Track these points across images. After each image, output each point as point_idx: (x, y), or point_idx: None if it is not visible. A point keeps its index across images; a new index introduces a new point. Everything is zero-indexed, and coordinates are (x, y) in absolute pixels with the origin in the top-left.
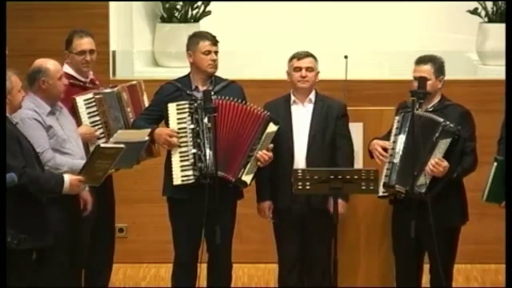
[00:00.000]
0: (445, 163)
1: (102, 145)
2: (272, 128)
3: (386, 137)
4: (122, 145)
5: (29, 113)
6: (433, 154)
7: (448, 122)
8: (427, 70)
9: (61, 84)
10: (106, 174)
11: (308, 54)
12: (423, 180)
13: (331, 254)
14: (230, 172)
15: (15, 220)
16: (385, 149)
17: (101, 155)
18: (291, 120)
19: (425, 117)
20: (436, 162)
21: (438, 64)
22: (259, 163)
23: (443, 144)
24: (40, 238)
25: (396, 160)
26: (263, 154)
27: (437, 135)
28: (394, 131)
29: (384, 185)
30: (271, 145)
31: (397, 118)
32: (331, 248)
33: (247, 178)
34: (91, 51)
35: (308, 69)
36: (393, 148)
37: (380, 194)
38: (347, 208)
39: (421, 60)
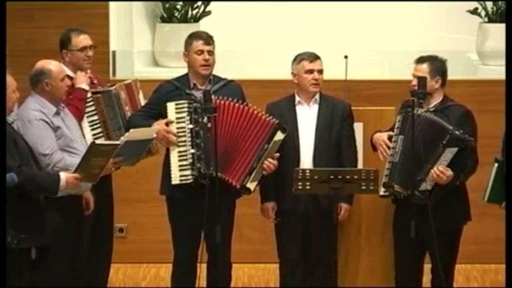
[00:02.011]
0: (450, 173)
1: (97, 142)
2: (279, 136)
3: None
4: (117, 142)
5: (36, 114)
6: (438, 161)
7: (459, 131)
8: (422, 69)
9: (63, 86)
10: (103, 171)
11: (317, 56)
12: (426, 185)
13: (332, 255)
14: (231, 176)
15: (13, 219)
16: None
17: (97, 152)
18: (297, 121)
19: (432, 120)
20: (441, 171)
21: (435, 65)
22: (264, 172)
23: (449, 153)
24: (38, 237)
25: (396, 160)
26: (269, 163)
27: (444, 142)
28: (395, 130)
29: (384, 185)
30: (277, 154)
31: (398, 117)
32: (333, 249)
33: (251, 185)
34: (91, 47)
35: (319, 71)
36: (394, 148)
37: (381, 193)
38: (350, 210)
39: (419, 60)
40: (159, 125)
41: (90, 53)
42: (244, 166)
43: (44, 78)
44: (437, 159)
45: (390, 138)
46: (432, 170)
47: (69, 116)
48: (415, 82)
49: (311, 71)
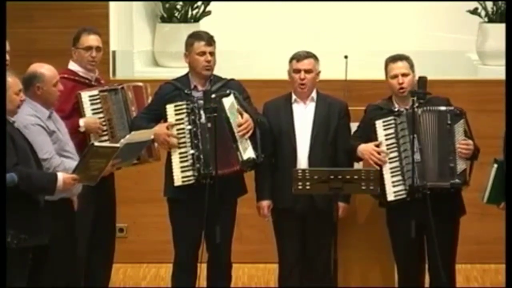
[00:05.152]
0: (471, 142)
1: (96, 143)
2: (228, 101)
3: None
4: (117, 145)
5: (31, 119)
6: (455, 139)
7: (452, 107)
8: (405, 65)
9: (56, 91)
10: (103, 173)
11: (307, 55)
12: (460, 166)
13: (331, 254)
14: (232, 166)
15: (13, 219)
16: (379, 153)
17: (96, 154)
18: (293, 119)
19: (430, 110)
20: (465, 143)
21: (410, 61)
22: (245, 136)
23: (459, 127)
24: (38, 237)
25: (418, 158)
26: (242, 124)
27: (449, 122)
28: (399, 132)
29: (411, 187)
30: (237, 108)
31: (379, 122)
32: (332, 248)
33: (248, 154)
34: (97, 48)
35: (307, 71)
36: (406, 149)
37: (392, 198)
38: (348, 209)
39: (396, 58)
40: (160, 128)
41: (94, 54)
42: (231, 152)
43: (36, 82)
44: (452, 138)
45: (377, 145)
46: (457, 147)
47: (57, 118)
48: (401, 80)
49: (298, 71)
